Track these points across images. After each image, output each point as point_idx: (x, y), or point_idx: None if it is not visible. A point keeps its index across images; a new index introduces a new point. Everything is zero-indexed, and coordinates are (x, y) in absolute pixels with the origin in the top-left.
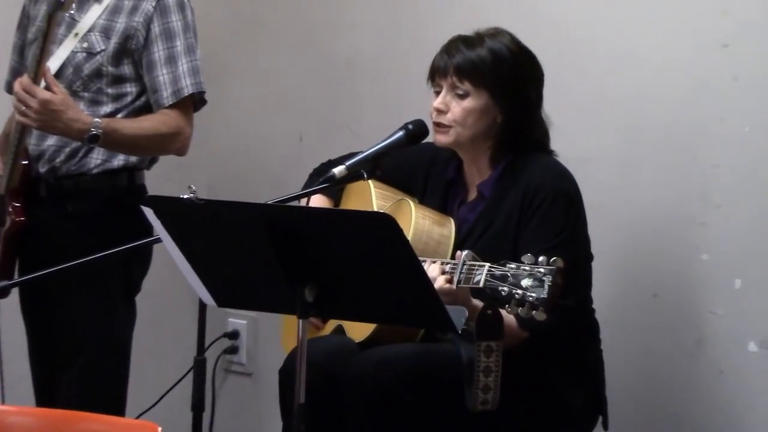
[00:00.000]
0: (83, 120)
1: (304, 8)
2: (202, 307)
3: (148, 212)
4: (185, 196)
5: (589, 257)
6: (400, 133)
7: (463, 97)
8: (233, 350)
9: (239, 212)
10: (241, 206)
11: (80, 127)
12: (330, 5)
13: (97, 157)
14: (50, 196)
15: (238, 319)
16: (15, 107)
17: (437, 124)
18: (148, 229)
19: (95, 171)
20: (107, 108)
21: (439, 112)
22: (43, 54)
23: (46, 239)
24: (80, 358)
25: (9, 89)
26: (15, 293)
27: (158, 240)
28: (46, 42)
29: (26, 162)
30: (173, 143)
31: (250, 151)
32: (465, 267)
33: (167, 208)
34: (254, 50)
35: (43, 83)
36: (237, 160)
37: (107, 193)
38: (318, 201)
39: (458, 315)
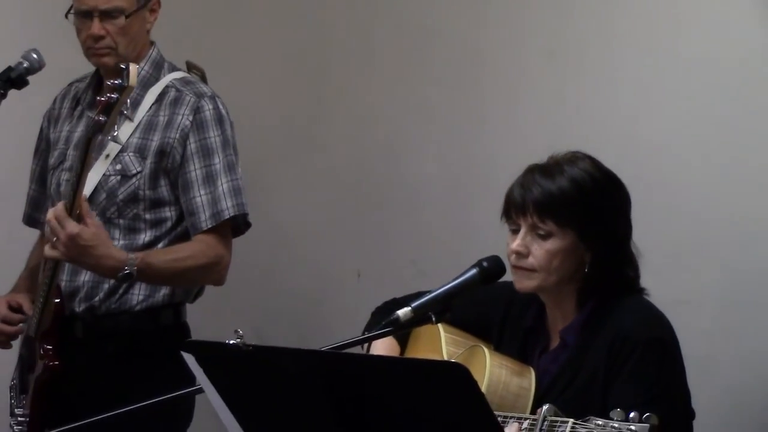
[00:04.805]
0: (115, 257)
1: (361, 127)
2: None
3: (189, 359)
4: (231, 342)
5: (690, 414)
6: (474, 271)
7: (545, 237)
8: None
9: (293, 360)
10: (294, 353)
11: (113, 265)
12: (389, 125)
13: (139, 293)
14: (87, 336)
15: None
16: (47, 237)
17: (517, 268)
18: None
19: (138, 308)
20: (145, 236)
21: (519, 255)
22: (81, 181)
23: (81, 385)
24: None
25: (29, 221)
26: None
27: (200, 390)
28: (83, 169)
29: (59, 300)
30: (212, 274)
31: (302, 288)
32: (546, 423)
33: (211, 354)
34: (304, 170)
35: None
36: (287, 298)
37: (151, 332)
38: (383, 344)
39: None
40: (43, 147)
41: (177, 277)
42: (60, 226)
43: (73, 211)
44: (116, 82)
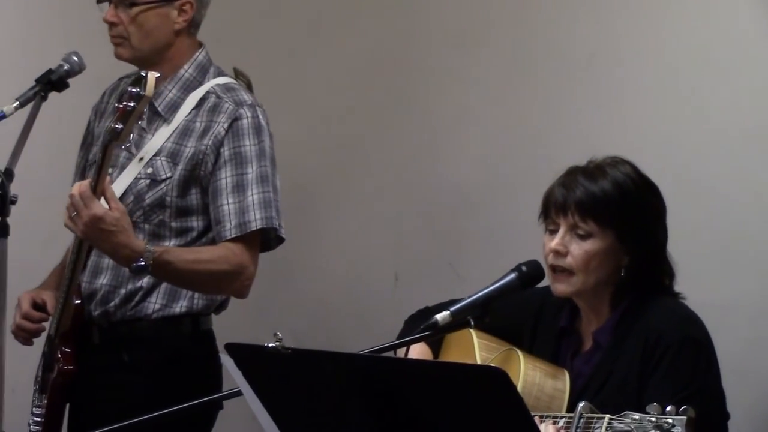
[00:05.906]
0: (133, 247)
1: (405, 130)
2: None
3: (228, 361)
4: (270, 344)
5: (725, 415)
6: (513, 275)
7: (584, 237)
8: None
9: (331, 363)
10: (332, 357)
11: (128, 254)
12: (433, 128)
13: (156, 302)
14: (104, 342)
15: None
16: (67, 209)
17: (554, 268)
18: (216, 382)
19: (154, 317)
20: (169, 244)
21: (557, 254)
22: (103, 169)
23: (98, 392)
24: None
25: None
26: None
27: (238, 393)
28: (100, 176)
29: (79, 301)
30: (233, 283)
31: (339, 291)
32: (582, 420)
33: (250, 357)
34: (342, 173)
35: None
36: (324, 303)
37: (168, 341)
38: (418, 351)
39: None
40: (89, 140)
41: (195, 279)
42: (84, 204)
43: (97, 192)
44: (134, 90)
